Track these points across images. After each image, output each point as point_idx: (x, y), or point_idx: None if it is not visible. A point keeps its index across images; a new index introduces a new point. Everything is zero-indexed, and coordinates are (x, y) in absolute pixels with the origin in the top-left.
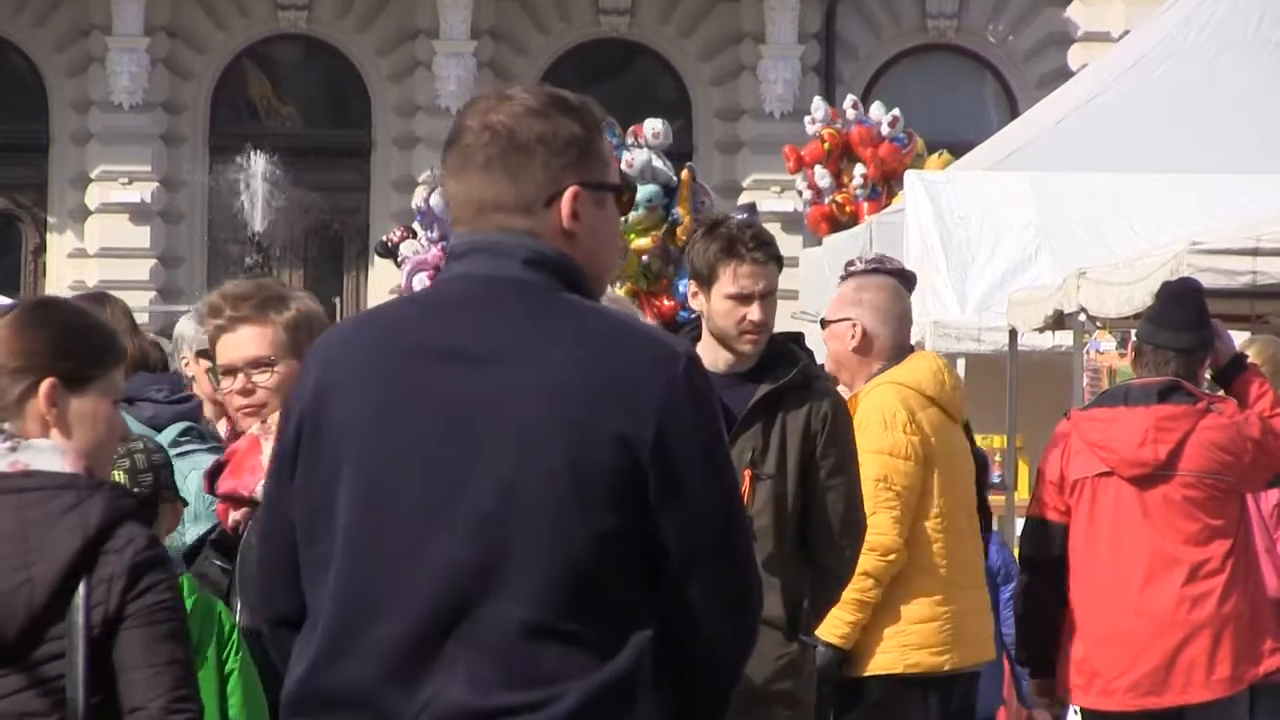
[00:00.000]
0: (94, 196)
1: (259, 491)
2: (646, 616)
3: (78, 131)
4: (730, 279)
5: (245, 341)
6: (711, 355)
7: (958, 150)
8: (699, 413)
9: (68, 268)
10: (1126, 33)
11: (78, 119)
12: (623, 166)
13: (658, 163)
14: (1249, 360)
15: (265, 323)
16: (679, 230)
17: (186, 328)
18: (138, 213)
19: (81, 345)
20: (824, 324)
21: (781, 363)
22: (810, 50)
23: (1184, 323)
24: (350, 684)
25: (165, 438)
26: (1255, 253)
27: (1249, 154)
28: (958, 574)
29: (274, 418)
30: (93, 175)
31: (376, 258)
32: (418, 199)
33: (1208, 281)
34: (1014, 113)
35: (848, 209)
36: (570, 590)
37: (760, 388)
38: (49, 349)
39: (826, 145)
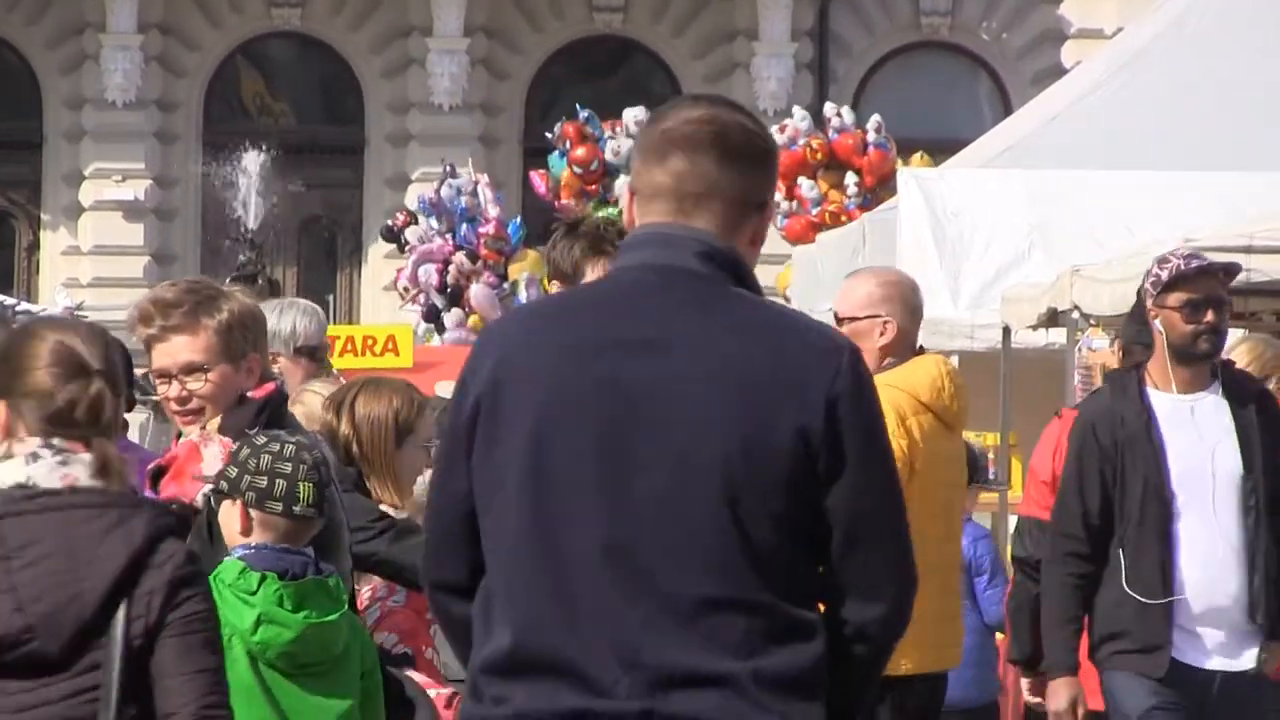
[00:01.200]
0: (88, 194)
1: (200, 500)
2: (815, 599)
3: (71, 129)
4: (596, 277)
5: (178, 348)
6: None
7: (951, 148)
8: (864, 402)
9: (61, 265)
10: (1120, 30)
11: (71, 116)
12: (608, 156)
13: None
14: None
15: (197, 329)
16: None
17: (277, 324)
18: (131, 210)
19: (118, 364)
20: (840, 320)
21: None
22: (803, 47)
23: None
24: (552, 651)
25: None
26: (1248, 250)
27: (1242, 151)
28: (924, 580)
29: (214, 423)
30: (86, 173)
31: (369, 254)
32: (428, 189)
33: None
34: (1007, 110)
35: (842, 218)
36: (749, 567)
37: None
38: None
39: (819, 155)
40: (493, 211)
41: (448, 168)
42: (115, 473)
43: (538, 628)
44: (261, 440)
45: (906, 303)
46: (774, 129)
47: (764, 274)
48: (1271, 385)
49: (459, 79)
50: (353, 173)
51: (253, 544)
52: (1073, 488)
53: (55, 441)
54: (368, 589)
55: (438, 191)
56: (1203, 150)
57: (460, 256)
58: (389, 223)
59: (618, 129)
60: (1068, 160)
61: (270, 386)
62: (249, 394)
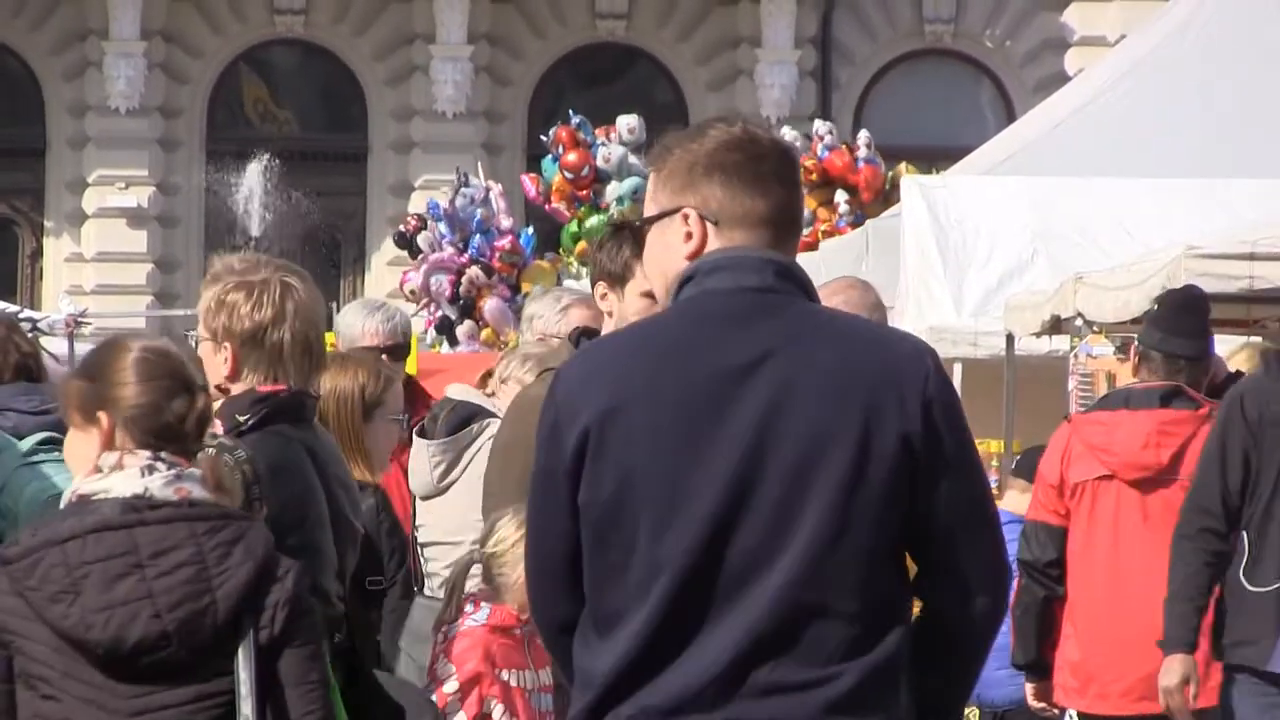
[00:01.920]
0: (90, 201)
1: None
2: (906, 600)
3: (74, 136)
4: (646, 277)
5: None
6: None
7: (954, 155)
8: (952, 402)
9: (65, 272)
10: (1123, 37)
11: (74, 123)
12: (599, 163)
13: (633, 158)
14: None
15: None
16: None
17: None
18: (134, 217)
19: (88, 389)
20: None
21: None
22: (806, 55)
23: (1195, 330)
24: (661, 666)
25: (24, 446)
26: (1251, 257)
27: (1246, 158)
28: None
29: (214, 405)
30: (89, 180)
31: (372, 262)
32: (435, 195)
33: (1204, 286)
34: (1010, 117)
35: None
36: (851, 573)
37: None
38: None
39: (812, 175)
40: (506, 222)
41: (461, 176)
42: (225, 487)
43: (644, 658)
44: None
45: (883, 310)
46: None
47: None
48: None
49: (462, 86)
50: (356, 180)
51: None
52: (1214, 462)
53: (164, 455)
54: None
55: (452, 201)
56: (1206, 157)
57: (476, 270)
58: (401, 228)
59: (611, 135)
60: (1071, 167)
61: (280, 387)
62: (257, 388)
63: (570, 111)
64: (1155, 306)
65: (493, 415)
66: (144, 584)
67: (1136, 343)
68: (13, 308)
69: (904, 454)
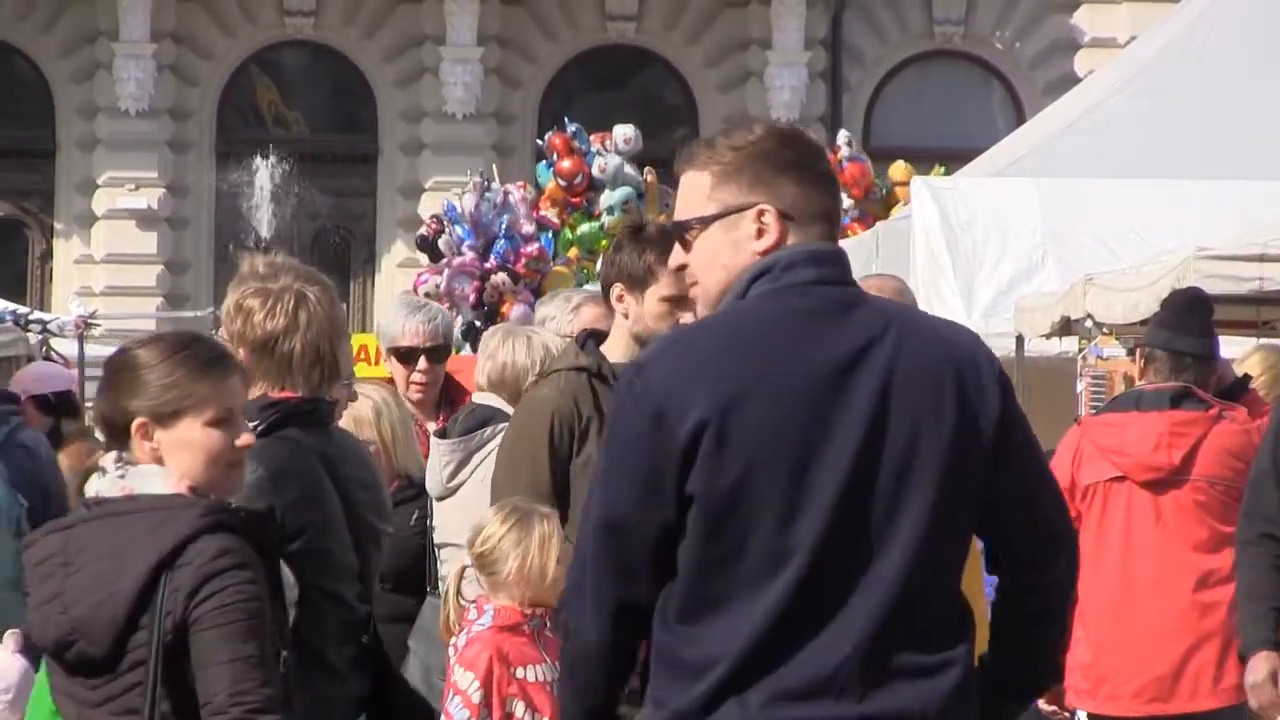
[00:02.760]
0: (100, 202)
1: None
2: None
3: (84, 138)
4: (670, 282)
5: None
6: (626, 357)
7: (964, 156)
8: (1010, 387)
9: (74, 273)
10: (1133, 39)
11: (84, 125)
12: (595, 172)
13: (628, 168)
14: (1250, 376)
15: None
16: None
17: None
18: (144, 219)
19: (167, 383)
20: None
21: None
22: (817, 56)
23: (1199, 329)
24: (783, 657)
25: None
26: (1261, 259)
27: (1256, 160)
28: None
29: None
30: (99, 181)
31: (382, 263)
32: (465, 203)
33: (1214, 288)
34: (1020, 119)
35: (846, 233)
36: (953, 554)
37: None
38: (139, 390)
39: None
40: (528, 227)
41: (485, 180)
42: (179, 480)
43: (768, 645)
44: None
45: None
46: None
47: None
48: None
49: (472, 88)
50: (366, 181)
51: None
52: (1268, 467)
53: (124, 455)
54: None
55: (477, 206)
56: (1216, 159)
57: (503, 276)
58: (423, 232)
59: (607, 143)
60: (1081, 169)
61: (289, 394)
62: (269, 394)
63: (565, 119)
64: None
65: (509, 420)
66: (61, 583)
67: (1143, 345)
68: (23, 309)
69: (992, 434)
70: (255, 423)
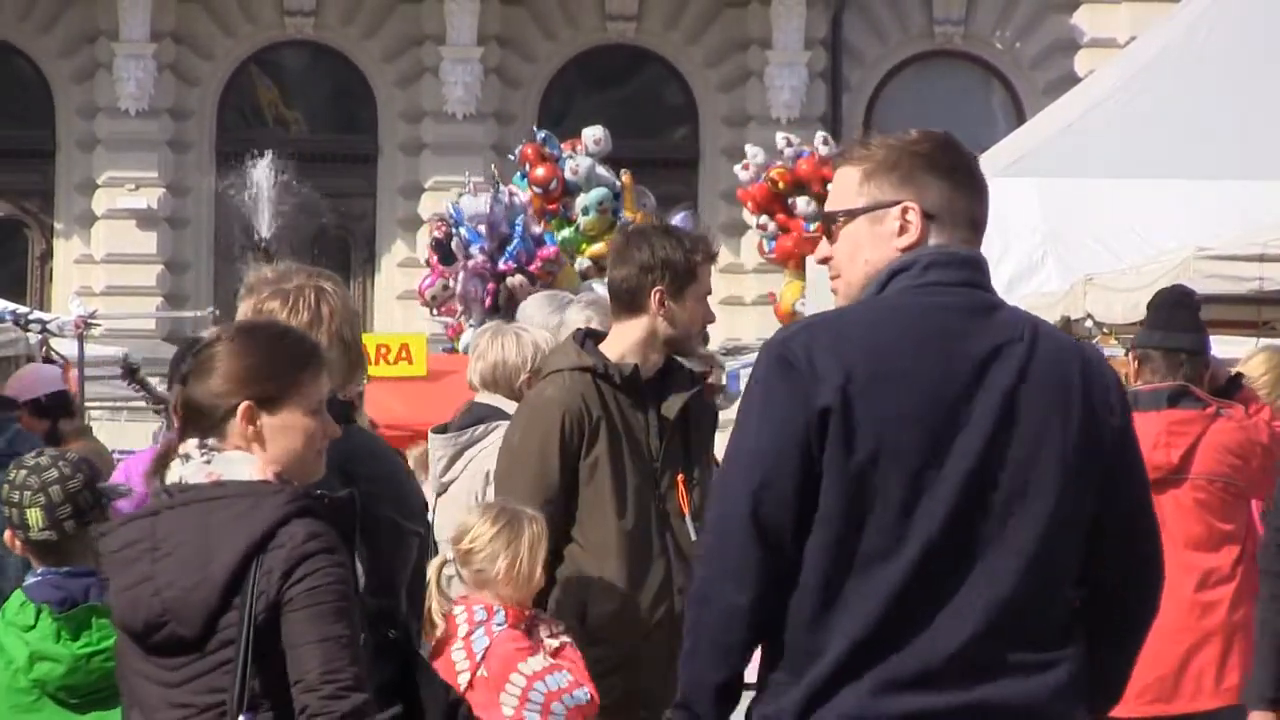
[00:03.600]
0: (100, 202)
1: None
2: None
3: (84, 137)
4: (705, 280)
5: None
6: (641, 358)
7: None
8: (1126, 402)
9: (74, 273)
10: (1133, 39)
11: (84, 125)
12: (568, 176)
13: (600, 169)
14: (1243, 375)
15: None
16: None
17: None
18: (144, 219)
19: (275, 369)
20: None
21: (671, 367)
22: (816, 56)
23: (1191, 325)
24: (895, 652)
25: None
26: (1261, 259)
27: (1256, 160)
28: None
29: None
30: (99, 181)
31: (382, 263)
32: (472, 204)
33: (1214, 288)
34: (1020, 119)
35: None
36: (1063, 564)
37: (677, 394)
38: (247, 375)
39: (780, 185)
40: (536, 228)
41: (496, 180)
42: (265, 467)
43: (881, 632)
44: (25, 460)
45: None
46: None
47: (765, 284)
48: None
49: (472, 88)
50: (366, 181)
51: (39, 570)
52: None
53: (209, 441)
54: (461, 612)
55: (491, 208)
56: (1216, 159)
57: (520, 278)
58: (436, 235)
59: (577, 148)
60: (1081, 169)
61: None
62: None
63: (534, 128)
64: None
65: (506, 419)
66: (150, 567)
67: (1135, 347)
68: (23, 309)
69: (1112, 449)
70: None
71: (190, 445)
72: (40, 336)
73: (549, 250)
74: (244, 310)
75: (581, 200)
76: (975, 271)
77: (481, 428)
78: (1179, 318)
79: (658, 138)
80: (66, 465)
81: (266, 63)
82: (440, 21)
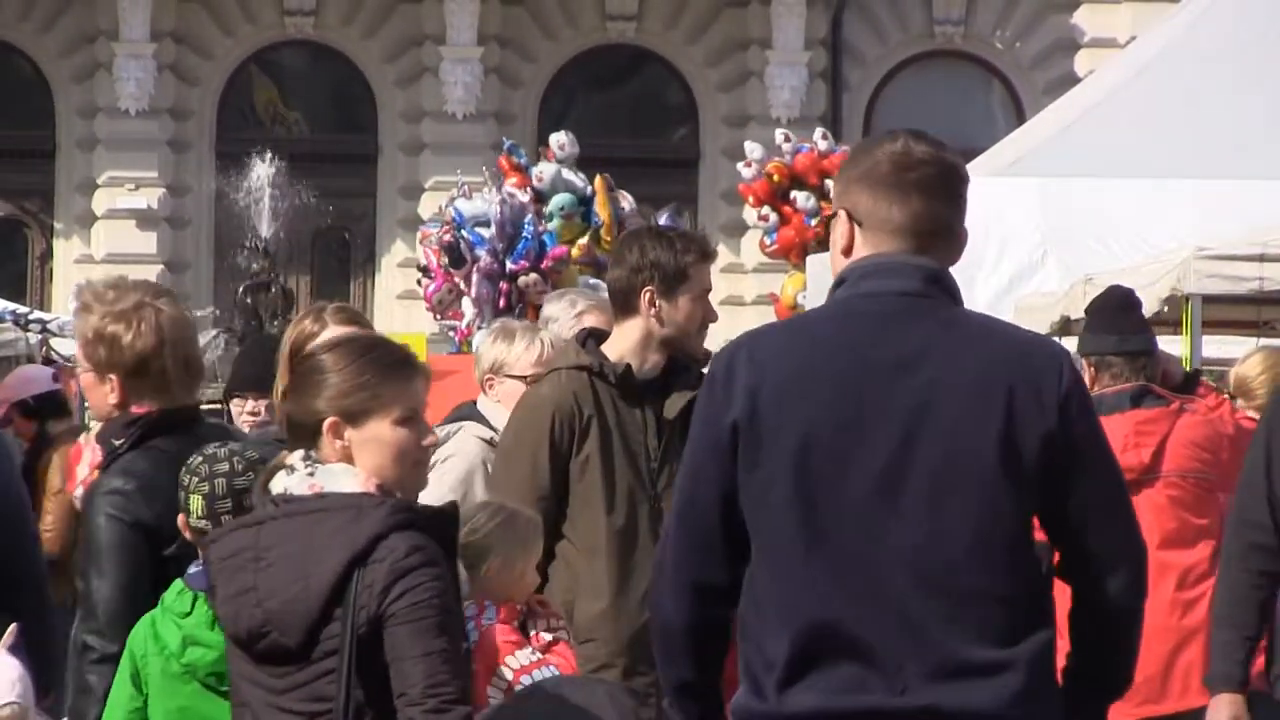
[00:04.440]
0: (100, 202)
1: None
2: (1051, 581)
3: (84, 137)
4: (700, 279)
5: None
6: (639, 358)
7: (964, 156)
8: (1084, 399)
9: (74, 273)
10: (1133, 39)
11: (84, 125)
12: (533, 181)
13: (568, 174)
14: (1201, 372)
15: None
16: (602, 233)
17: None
18: (144, 219)
19: (357, 384)
20: None
21: (677, 367)
22: (817, 56)
23: (1142, 326)
24: (835, 650)
25: None
26: (1261, 259)
27: (1256, 160)
28: None
29: (95, 428)
30: (99, 181)
31: (382, 263)
32: (479, 207)
33: (1214, 288)
34: (1021, 119)
35: None
36: (1005, 562)
37: (679, 393)
38: (331, 391)
39: (776, 179)
40: (538, 227)
41: (497, 179)
42: (368, 479)
43: (819, 629)
44: (195, 456)
45: None
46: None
47: (765, 284)
48: None
49: (472, 88)
50: (366, 181)
51: (201, 560)
52: (1259, 467)
53: (312, 453)
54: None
55: (501, 209)
56: (1216, 159)
57: (534, 277)
58: (447, 239)
59: (545, 155)
60: (1081, 169)
61: (149, 408)
62: (132, 409)
63: (504, 140)
64: (1086, 317)
65: (483, 421)
66: (253, 576)
67: (1088, 354)
68: (23, 309)
69: (1043, 451)
70: (120, 440)
71: (295, 457)
72: (40, 336)
73: (559, 249)
74: (82, 331)
75: (547, 207)
76: (904, 279)
77: (453, 426)
78: (1130, 320)
79: (658, 138)
80: (241, 461)
81: (266, 63)
82: (440, 21)
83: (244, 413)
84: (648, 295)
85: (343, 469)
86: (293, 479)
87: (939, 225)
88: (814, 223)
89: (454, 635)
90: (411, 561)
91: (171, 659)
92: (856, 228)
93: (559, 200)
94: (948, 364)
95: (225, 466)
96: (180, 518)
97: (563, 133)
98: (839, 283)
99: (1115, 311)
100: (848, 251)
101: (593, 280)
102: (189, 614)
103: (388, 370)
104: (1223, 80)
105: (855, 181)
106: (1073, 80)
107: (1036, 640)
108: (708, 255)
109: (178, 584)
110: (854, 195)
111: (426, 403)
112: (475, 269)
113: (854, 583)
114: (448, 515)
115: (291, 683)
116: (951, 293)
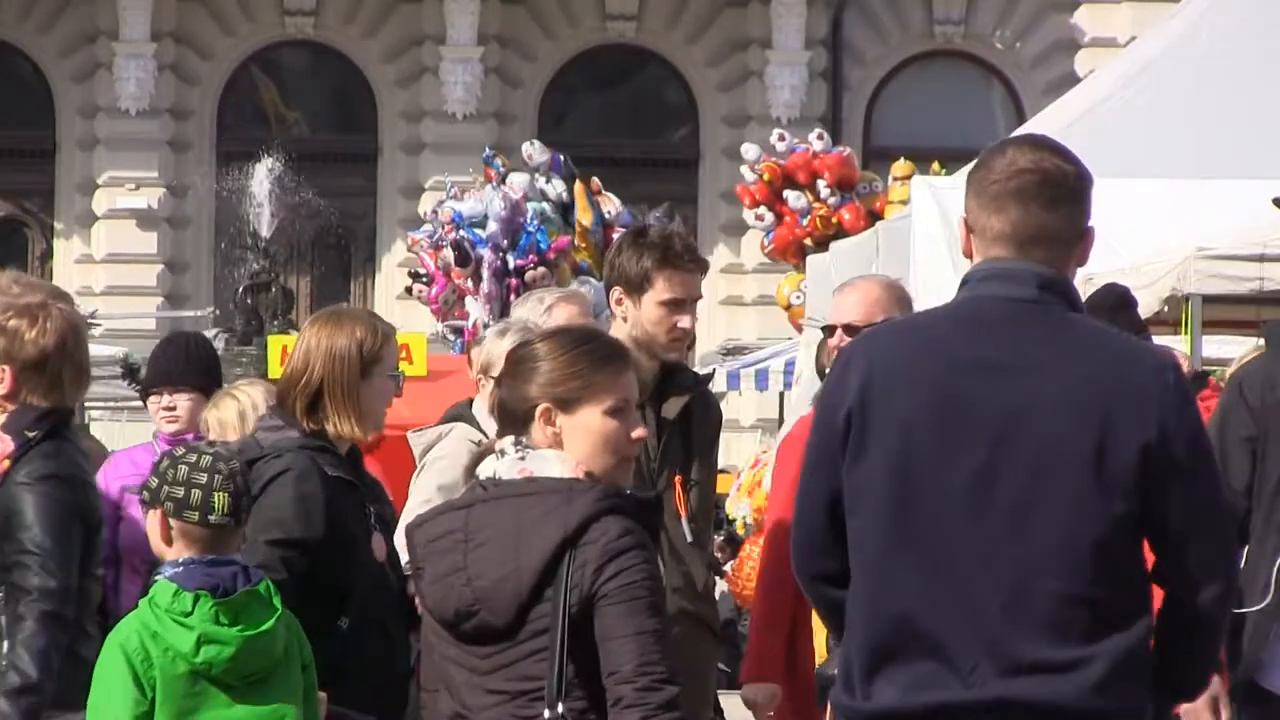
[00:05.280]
0: (101, 202)
1: None
2: (1147, 588)
3: (84, 137)
4: (666, 287)
5: None
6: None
7: (964, 156)
8: (1189, 412)
9: (75, 273)
10: (1133, 38)
11: (84, 125)
12: (506, 189)
13: (543, 182)
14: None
15: None
16: (576, 240)
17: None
18: (144, 219)
19: (573, 372)
20: (847, 329)
21: (674, 368)
22: (817, 56)
23: (1140, 324)
24: (918, 647)
25: None
26: (1261, 259)
27: (1256, 160)
28: None
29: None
30: (99, 181)
31: (383, 263)
32: (478, 206)
33: (1214, 288)
34: (1021, 119)
35: (833, 220)
36: (1091, 564)
37: (674, 397)
38: (546, 378)
39: (766, 177)
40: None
41: (501, 174)
42: (577, 465)
43: (898, 625)
44: (180, 451)
45: (907, 304)
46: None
47: (765, 284)
48: None
49: (472, 87)
50: (366, 181)
51: (180, 560)
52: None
53: (522, 439)
54: None
55: (505, 207)
56: (1216, 158)
57: (542, 270)
58: (454, 238)
59: (525, 161)
60: None
61: (36, 403)
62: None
63: (485, 148)
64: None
65: (473, 423)
66: (463, 557)
67: None
68: None
69: (1140, 462)
70: (34, 432)
71: (506, 442)
72: None
73: (561, 240)
74: None
75: (524, 217)
76: (1005, 283)
77: (445, 428)
78: (1130, 318)
79: (658, 138)
80: (239, 463)
81: (266, 62)
82: (440, 21)
83: (160, 408)
84: (616, 297)
85: (553, 455)
86: (503, 463)
87: (1040, 232)
88: (805, 222)
89: (663, 617)
90: (624, 543)
91: (179, 660)
92: (971, 234)
93: (534, 209)
94: (1049, 370)
95: (237, 465)
96: (157, 515)
97: (533, 141)
98: (962, 285)
99: (1111, 310)
100: (968, 255)
101: (593, 281)
102: (191, 613)
103: (601, 361)
104: (1223, 80)
105: (969, 188)
106: (1073, 80)
107: (1119, 639)
108: (671, 260)
109: (169, 586)
110: (968, 202)
111: (636, 396)
112: (484, 266)
113: (936, 581)
114: (652, 502)
115: (497, 662)
116: (1067, 298)
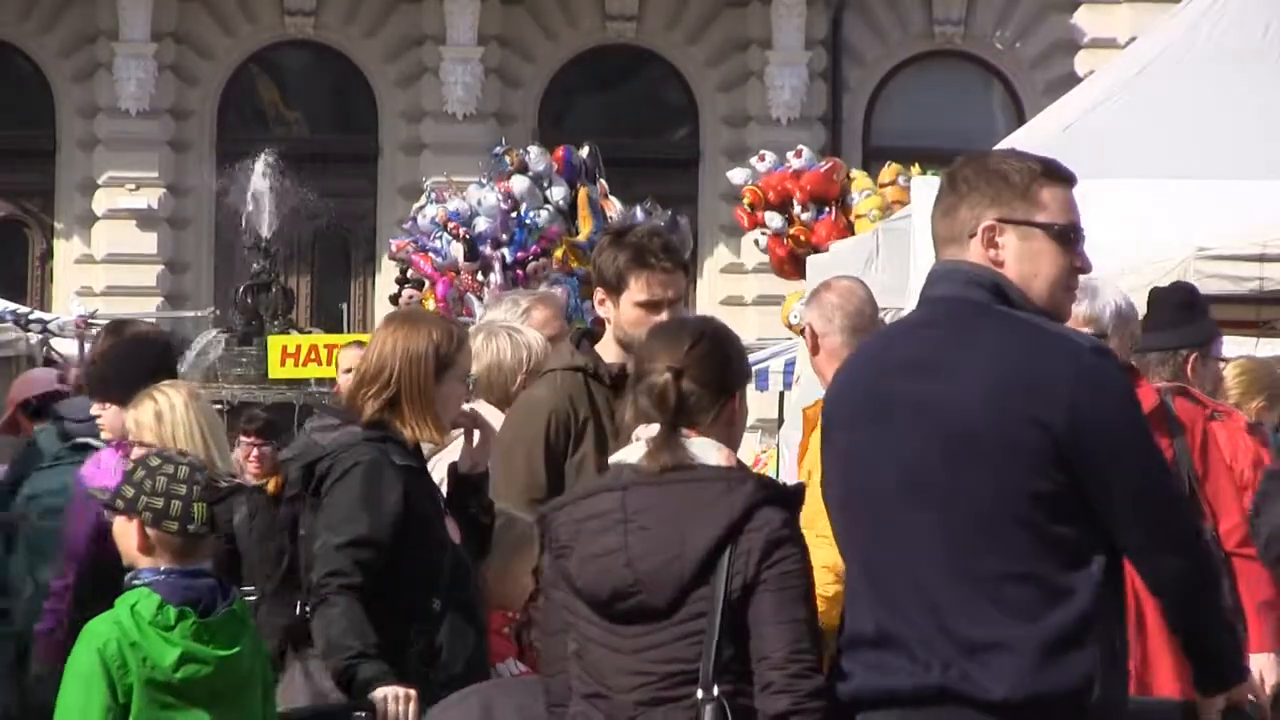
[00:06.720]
0: (101, 202)
1: None
2: (1091, 558)
3: (84, 137)
4: (641, 287)
5: None
6: (615, 359)
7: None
8: (1105, 395)
9: (75, 273)
10: (1133, 39)
11: (84, 125)
12: (511, 190)
13: (542, 188)
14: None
15: None
16: (568, 250)
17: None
18: (145, 219)
19: (724, 370)
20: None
21: None
22: (817, 56)
23: (1202, 325)
24: (873, 632)
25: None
26: (1261, 259)
27: (1256, 160)
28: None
29: None
30: (100, 181)
31: (383, 263)
32: (460, 204)
33: (1214, 288)
34: (1020, 119)
35: (803, 239)
36: (1023, 543)
37: None
38: (713, 375)
39: (747, 200)
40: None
41: (503, 170)
42: (730, 454)
43: (854, 613)
44: (155, 461)
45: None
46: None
47: (765, 284)
48: (1257, 404)
49: (472, 88)
50: (366, 181)
51: (161, 570)
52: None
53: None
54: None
55: (514, 206)
56: (1216, 159)
57: (541, 260)
58: (462, 234)
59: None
60: (1080, 169)
61: None
62: None
63: (500, 144)
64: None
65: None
66: (621, 538)
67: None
68: (23, 309)
69: (1049, 440)
70: None
71: (650, 429)
72: (41, 336)
73: (552, 229)
74: None
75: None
76: (939, 283)
77: None
78: (1191, 317)
79: (658, 138)
80: (208, 471)
81: (266, 62)
82: (440, 21)
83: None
84: (599, 297)
85: (709, 444)
86: (653, 448)
87: (942, 235)
88: (786, 240)
89: (814, 607)
90: (785, 533)
91: (158, 672)
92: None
93: (534, 218)
94: (965, 365)
95: (208, 474)
96: (135, 523)
97: (533, 146)
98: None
99: (1175, 308)
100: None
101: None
102: (173, 628)
103: (738, 364)
104: (1223, 80)
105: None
106: (1073, 80)
107: (1062, 612)
108: (644, 261)
109: (153, 597)
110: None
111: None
112: (494, 259)
113: (883, 575)
114: (798, 494)
115: (648, 643)
116: (996, 292)
